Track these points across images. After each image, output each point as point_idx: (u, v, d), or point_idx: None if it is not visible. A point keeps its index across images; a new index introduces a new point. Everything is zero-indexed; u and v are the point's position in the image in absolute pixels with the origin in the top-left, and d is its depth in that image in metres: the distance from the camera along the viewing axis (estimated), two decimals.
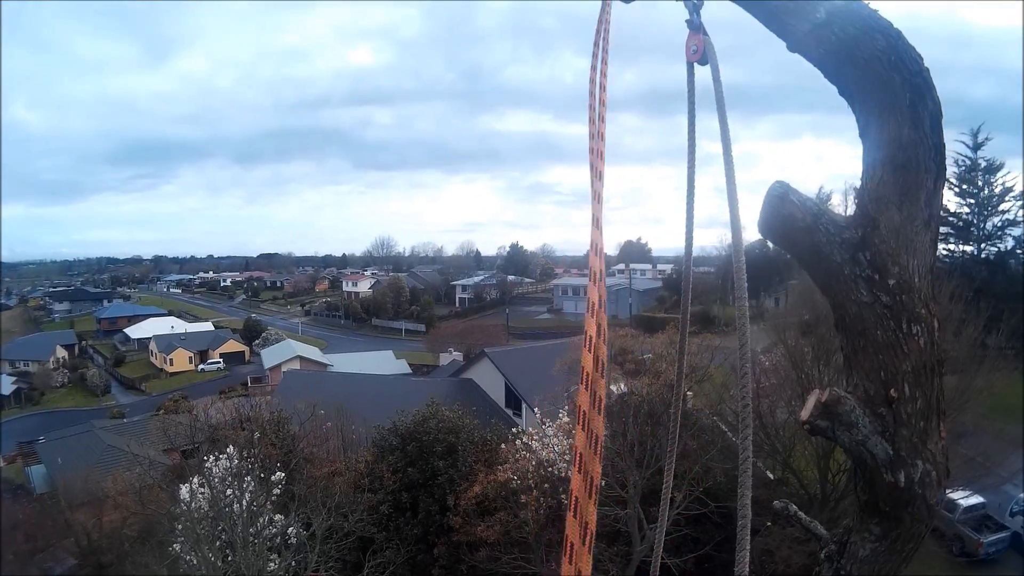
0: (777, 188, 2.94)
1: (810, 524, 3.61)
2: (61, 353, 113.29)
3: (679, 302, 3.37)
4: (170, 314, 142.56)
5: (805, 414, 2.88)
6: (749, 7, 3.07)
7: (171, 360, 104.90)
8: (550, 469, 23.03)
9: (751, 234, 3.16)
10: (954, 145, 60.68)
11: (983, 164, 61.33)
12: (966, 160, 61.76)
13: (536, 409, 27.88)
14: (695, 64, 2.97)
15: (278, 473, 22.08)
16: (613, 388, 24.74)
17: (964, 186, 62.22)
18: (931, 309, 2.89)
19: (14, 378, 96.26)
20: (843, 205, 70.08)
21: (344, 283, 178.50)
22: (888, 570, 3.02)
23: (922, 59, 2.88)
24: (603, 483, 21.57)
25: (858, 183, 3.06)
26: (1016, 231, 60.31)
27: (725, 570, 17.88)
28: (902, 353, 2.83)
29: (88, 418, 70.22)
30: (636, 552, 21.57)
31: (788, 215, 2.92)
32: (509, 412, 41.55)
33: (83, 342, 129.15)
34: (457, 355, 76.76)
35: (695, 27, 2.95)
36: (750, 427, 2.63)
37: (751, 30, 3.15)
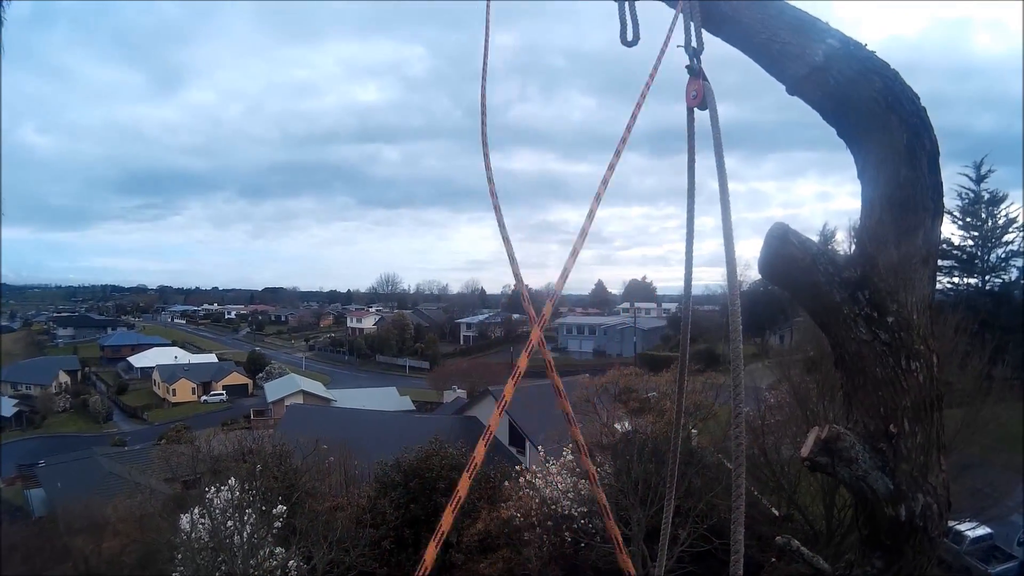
0: (777, 229, 2.99)
1: (812, 559, 3.63)
2: (64, 378, 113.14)
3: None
4: (174, 344, 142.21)
5: (805, 451, 2.92)
6: (749, 52, 3.15)
7: (174, 390, 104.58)
8: (553, 507, 22.95)
9: (756, 272, 3.21)
10: (957, 178, 60.95)
11: (986, 196, 61.17)
12: (969, 193, 61.74)
13: (540, 447, 27.79)
14: (695, 109, 3.02)
15: (280, 506, 22.01)
16: (617, 426, 24.71)
17: (968, 219, 62.08)
18: (930, 345, 2.93)
19: (15, 400, 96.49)
20: (847, 242, 69.98)
21: (349, 319, 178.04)
22: None
23: (919, 98, 2.94)
24: None
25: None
26: (1020, 262, 60.20)
27: None
28: (901, 389, 2.87)
29: (89, 444, 69.96)
30: None
31: (788, 255, 2.97)
32: (513, 450, 41.34)
33: (86, 368, 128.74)
34: (461, 393, 76.43)
35: (695, 73, 3.00)
36: (743, 465, 2.66)
37: (755, 68, 3.22)
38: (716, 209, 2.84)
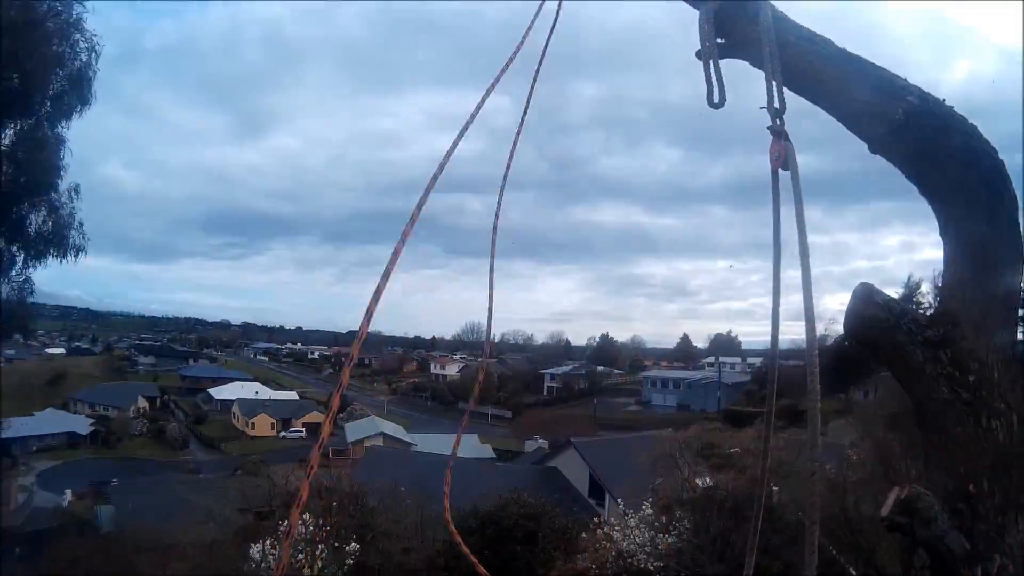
0: (861, 290, 3.01)
1: None
2: (142, 403, 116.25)
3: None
4: (255, 380, 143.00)
5: (885, 511, 2.92)
6: (831, 111, 3.18)
7: (253, 424, 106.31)
8: (630, 560, 22.70)
9: (842, 326, 3.20)
10: None
11: None
12: None
13: (619, 500, 27.58)
14: (779, 169, 3.00)
15: (353, 544, 22.06)
16: (699, 482, 24.41)
17: None
18: (1010, 403, 2.91)
19: (92, 420, 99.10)
20: (932, 293, 67.97)
21: (432, 365, 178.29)
22: None
23: (996, 152, 2.95)
24: None
25: None
26: None
27: None
28: (981, 449, 2.86)
29: (164, 469, 71.75)
30: None
31: (872, 316, 2.98)
32: (592, 502, 41.04)
33: (165, 396, 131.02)
34: (543, 443, 76.05)
35: (777, 134, 3.00)
36: (816, 523, 2.65)
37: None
38: (799, 261, 2.87)
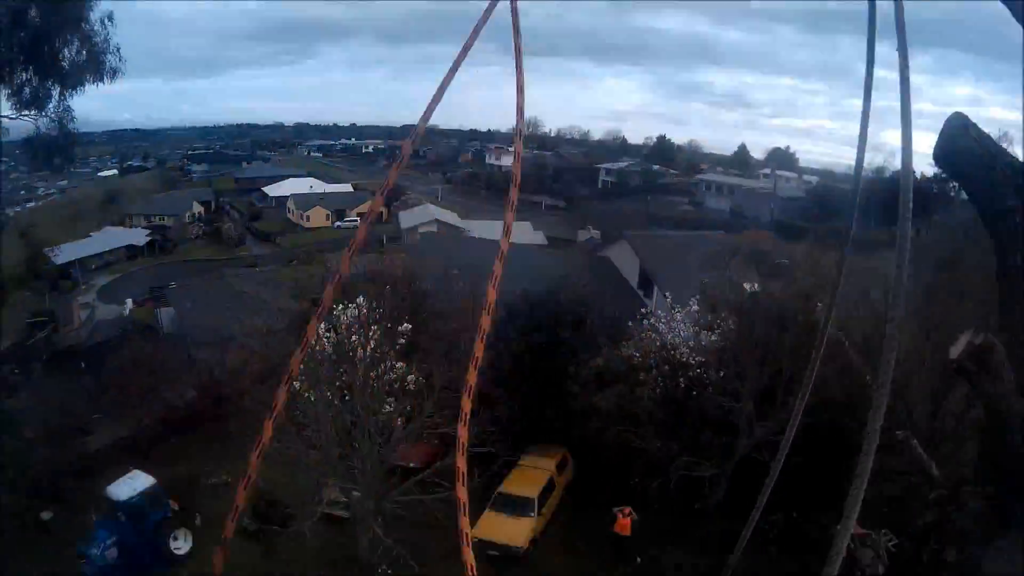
0: (957, 119, 2.84)
1: (927, 463, 3.59)
2: (198, 209, 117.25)
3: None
4: (310, 175, 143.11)
5: (955, 352, 2.83)
6: None
7: (308, 217, 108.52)
8: (672, 352, 23.17)
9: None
10: None
11: None
12: None
13: (668, 294, 27.86)
14: None
15: (405, 324, 22.53)
16: (746, 286, 24.52)
17: None
18: None
19: (148, 231, 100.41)
20: None
21: (487, 156, 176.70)
22: (994, 531, 2.97)
23: None
24: (721, 374, 21.70)
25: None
26: None
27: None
28: None
29: (221, 267, 72.94)
30: (740, 446, 22.02)
31: (966, 148, 2.82)
32: (640, 293, 41.43)
33: (220, 199, 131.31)
34: (595, 233, 76.09)
35: None
36: (895, 351, 2.59)
37: None
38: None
